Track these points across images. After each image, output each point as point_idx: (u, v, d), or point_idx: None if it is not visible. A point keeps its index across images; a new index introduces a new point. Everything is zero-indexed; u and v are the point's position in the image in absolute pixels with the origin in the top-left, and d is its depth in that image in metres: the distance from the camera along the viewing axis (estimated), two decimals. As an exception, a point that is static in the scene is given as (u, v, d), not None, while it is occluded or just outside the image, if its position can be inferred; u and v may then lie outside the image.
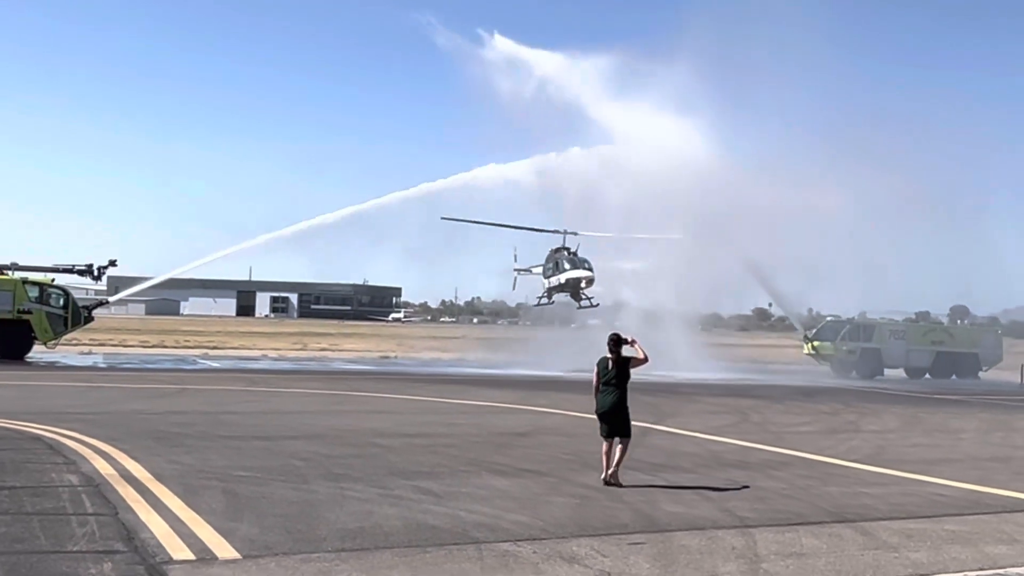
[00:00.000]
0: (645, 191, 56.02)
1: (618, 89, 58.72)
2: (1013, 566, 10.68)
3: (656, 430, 23.41)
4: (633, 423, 24.36)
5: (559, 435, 21.87)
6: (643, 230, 55.19)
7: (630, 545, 11.02)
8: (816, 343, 58.14)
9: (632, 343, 15.24)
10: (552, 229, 53.77)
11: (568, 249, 52.97)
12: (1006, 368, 57.60)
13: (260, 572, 9.36)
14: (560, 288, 52.52)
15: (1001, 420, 30.09)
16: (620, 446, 15.02)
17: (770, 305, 59.43)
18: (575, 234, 53.30)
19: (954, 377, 56.46)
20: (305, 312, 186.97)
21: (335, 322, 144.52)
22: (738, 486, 15.25)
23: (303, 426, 21.96)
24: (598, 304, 54.06)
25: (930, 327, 61.97)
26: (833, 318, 61.40)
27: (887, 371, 56.90)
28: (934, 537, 12.05)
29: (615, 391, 15.09)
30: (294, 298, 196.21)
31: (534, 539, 11.17)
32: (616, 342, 15.14)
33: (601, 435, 15.29)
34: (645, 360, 15.40)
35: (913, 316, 63.67)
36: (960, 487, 16.16)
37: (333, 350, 66.96)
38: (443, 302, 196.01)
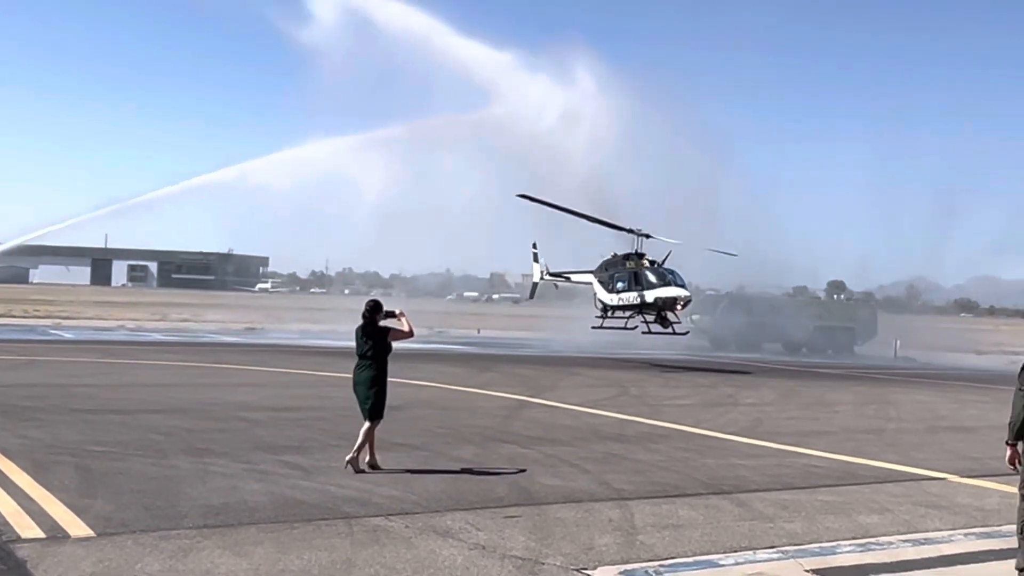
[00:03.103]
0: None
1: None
2: (884, 535, 11.12)
3: (533, 403, 23.63)
4: (510, 396, 24.64)
5: (433, 408, 21.89)
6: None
7: (505, 518, 11.11)
8: (695, 316, 59.32)
9: (399, 316, 14.16)
10: (628, 228, 42.66)
11: (641, 255, 42.11)
12: (881, 343, 59.76)
13: (115, 550, 9.14)
14: (639, 307, 41.49)
15: (875, 393, 31.23)
16: (366, 427, 13.71)
17: None
18: (648, 236, 42.39)
19: (830, 351, 58.30)
20: (166, 281, 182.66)
21: (197, 292, 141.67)
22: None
23: (163, 399, 21.52)
24: (687, 332, 44.21)
25: (807, 302, 63.86)
26: (712, 292, 62.67)
27: (765, 345, 58.43)
28: (808, 508, 12.45)
29: (371, 365, 13.85)
30: (154, 267, 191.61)
31: (406, 513, 11.18)
32: (372, 310, 13.91)
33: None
34: (409, 334, 14.26)
35: (791, 291, 65.52)
36: (834, 458, 16.73)
37: (196, 321, 65.61)
38: (313, 272, 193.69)
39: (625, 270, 42.07)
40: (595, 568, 9.28)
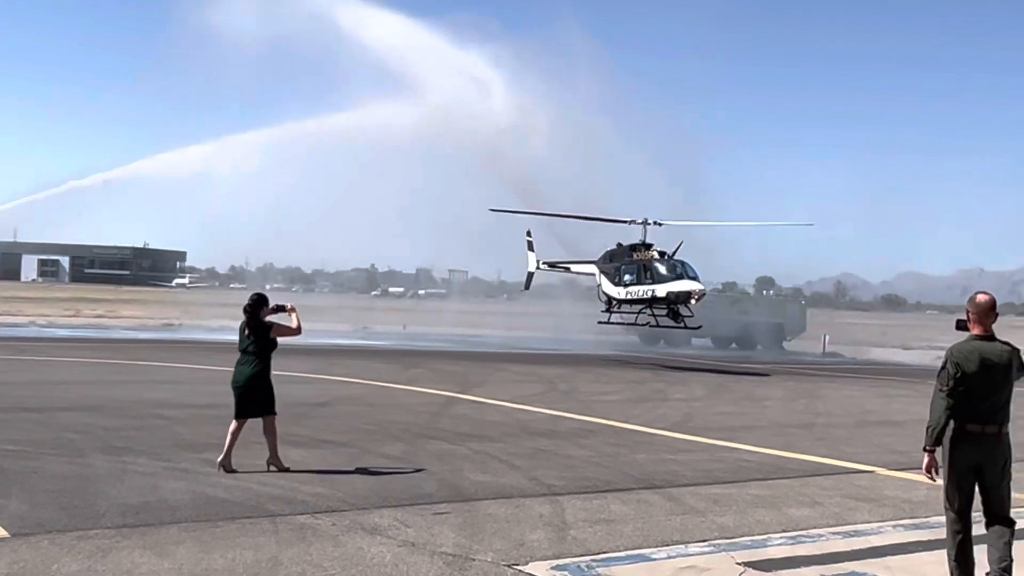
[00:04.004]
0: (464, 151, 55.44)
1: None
2: (814, 527, 11.35)
3: (461, 399, 23.65)
4: (438, 392, 24.60)
5: (359, 405, 21.81)
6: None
7: (435, 515, 11.12)
8: (624, 312, 59.71)
9: (290, 311, 13.81)
10: (628, 219, 41.17)
11: (648, 245, 40.53)
12: (809, 338, 60.73)
13: (31, 551, 8.99)
14: (649, 302, 39.85)
15: (804, 388, 31.78)
16: (267, 426, 13.54)
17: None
18: (659, 224, 41.06)
19: (760, 347, 59.09)
20: (78, 276, 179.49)
21: (112, 287, 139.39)
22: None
23: (78, 397, 21.16)
24: (699, 327, 41.93)
25: (737, 297, 64.64)
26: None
27: (694, 340, 58.97)
28: (740, 501, 12.65)
29: (253, 361, 13.54)
30: (65, 261, 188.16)
31: (333, 511, 11.14)
32: (254, 304, 13.59)
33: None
34: (297, 331, 13.88)
35: (720, 287, 66.24)
36: (765, 453, 17.01)
37: (110, 317, 64.59)
38: (232, 267, 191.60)
39: (633, 262, 40.26)
40: (527, 564, 9.33)
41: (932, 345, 59.94)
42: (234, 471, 13.18)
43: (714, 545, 10.33)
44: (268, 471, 13.30)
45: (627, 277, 40.28)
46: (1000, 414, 8.35)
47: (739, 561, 9.70)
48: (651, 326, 41.47)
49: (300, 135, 63.60)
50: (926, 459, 8.40)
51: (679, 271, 38.89)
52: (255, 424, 17.58)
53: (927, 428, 8.33)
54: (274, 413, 13.66)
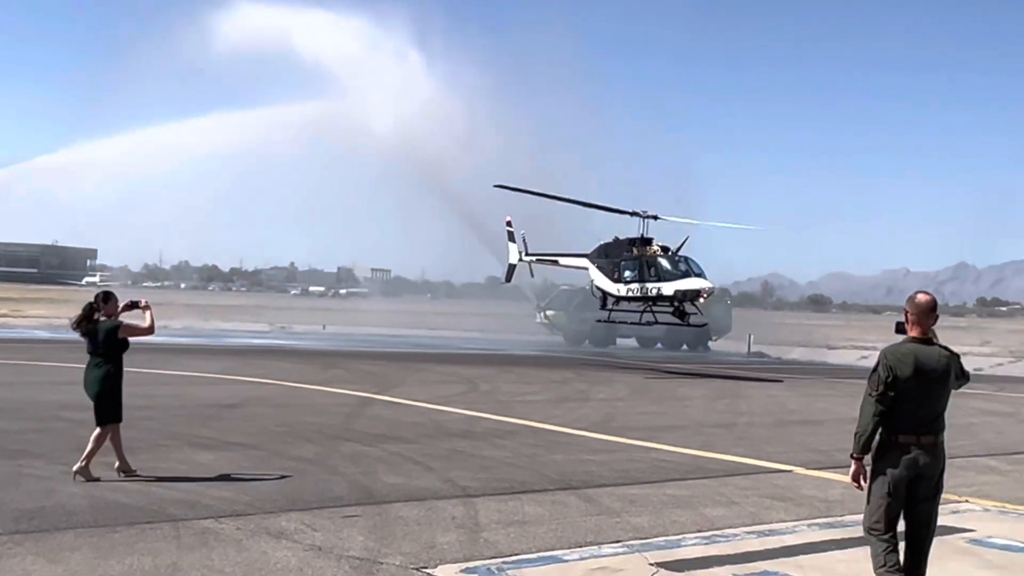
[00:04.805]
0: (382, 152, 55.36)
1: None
2: (730, 527, 11.45)
3: (377, 400, 23.53)
4: (354, 393, 24.44)
5: (271, 406, 21.58)
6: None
7: (344, 518, 11.04)
8: (549, 312, 59.93)
9: (144, 308, 13.33)
10: (630, 211, 39.36)
11: (648, 240, 39.10)
12: (735, 338, 61.46)
13: (-85, 559, 8.77)
14: (653, 300, 38.42)
15: (727, 388, 32.12)
16: (97, 432, 12.95)
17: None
18: (655, 218, 39.46)
19: (685, 347, 59.61)
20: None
21: (18, 285, 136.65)
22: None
23: (-25, 399, 20.68)
24: (705, 324, 42.76)
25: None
26: (567, 287, 63.26)
27: (619, 340, 59.35)
28: (655, 502, 12.74)
29: (101, 363, 13.08)
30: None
31: (238, 515, 11.01)
32: (92, 304, 13.17)
33: None
34: (149, 331, 13.42)
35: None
36: (684, 452, 17.15)
37: (15, 316, 63.28)
38: (146, 265, 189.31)
39: (634, 257, 38.79)
40: (436, 567, 9.30)
41: (856, 345, 61.08)
42: (134, 472, 12.95)
43: (628, 546, 10.38)
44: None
45: (627, 274, 38.87)
46: (936, 423, 7.92)
47: (652, 561, 9.76)
48: (649, 323, 40.53)
49: (218, 131, 63.00)
50: (853, 467, 7.94)
51: (684, 268, 37.79)
52: (163, 424, 17.41)
53: (855, 434, 7.90)
54: (112, 422, 13.07)
